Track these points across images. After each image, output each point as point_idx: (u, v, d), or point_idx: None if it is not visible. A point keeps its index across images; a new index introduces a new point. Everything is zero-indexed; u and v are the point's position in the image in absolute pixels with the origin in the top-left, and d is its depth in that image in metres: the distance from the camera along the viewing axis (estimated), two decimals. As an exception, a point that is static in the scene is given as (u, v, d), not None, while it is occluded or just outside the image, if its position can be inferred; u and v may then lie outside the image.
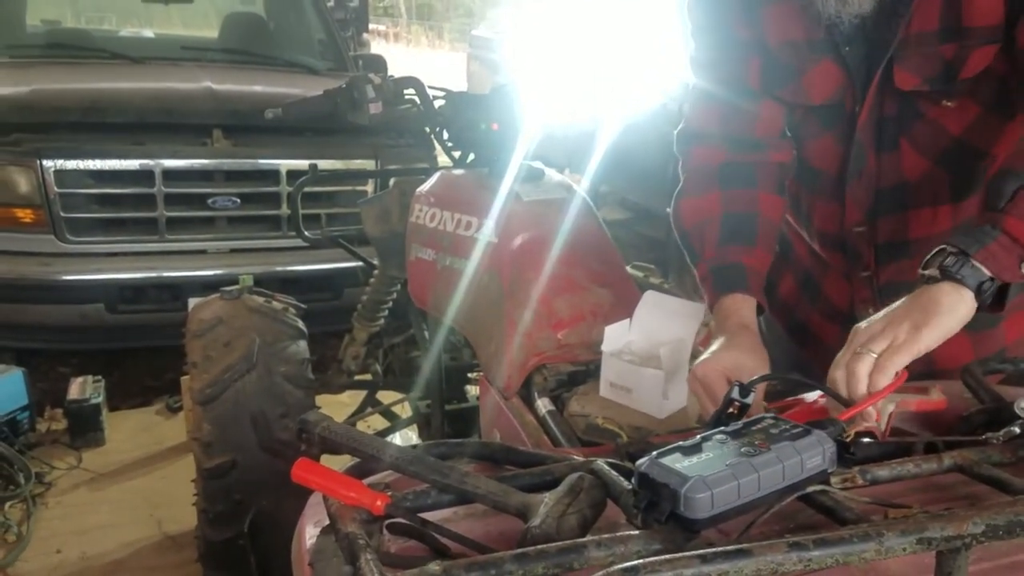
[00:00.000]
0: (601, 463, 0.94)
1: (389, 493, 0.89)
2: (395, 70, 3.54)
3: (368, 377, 2.56)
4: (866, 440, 1.00)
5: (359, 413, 2.49)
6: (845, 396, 1.01)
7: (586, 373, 1.45)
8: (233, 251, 3.63)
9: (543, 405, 1.37)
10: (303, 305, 2.25)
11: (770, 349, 1.78)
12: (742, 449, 0.81)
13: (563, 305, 1.55)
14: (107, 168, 3.34)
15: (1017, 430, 0.97)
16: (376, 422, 2.66)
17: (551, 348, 1.50)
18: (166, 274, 3.48)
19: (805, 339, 1.63)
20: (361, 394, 2.59)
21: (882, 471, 0.92)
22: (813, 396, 1.14)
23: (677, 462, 0.80)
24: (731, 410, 1.00)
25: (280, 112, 1.92)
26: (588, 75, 4.80)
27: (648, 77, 4.85)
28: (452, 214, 1.75)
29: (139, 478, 2.85)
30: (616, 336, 1.36)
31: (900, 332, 1.01)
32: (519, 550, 0.74)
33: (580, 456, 1.16)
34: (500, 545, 0.86)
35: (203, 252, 3.61)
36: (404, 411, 2.51)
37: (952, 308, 1.02)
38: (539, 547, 0.74)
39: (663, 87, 4.75)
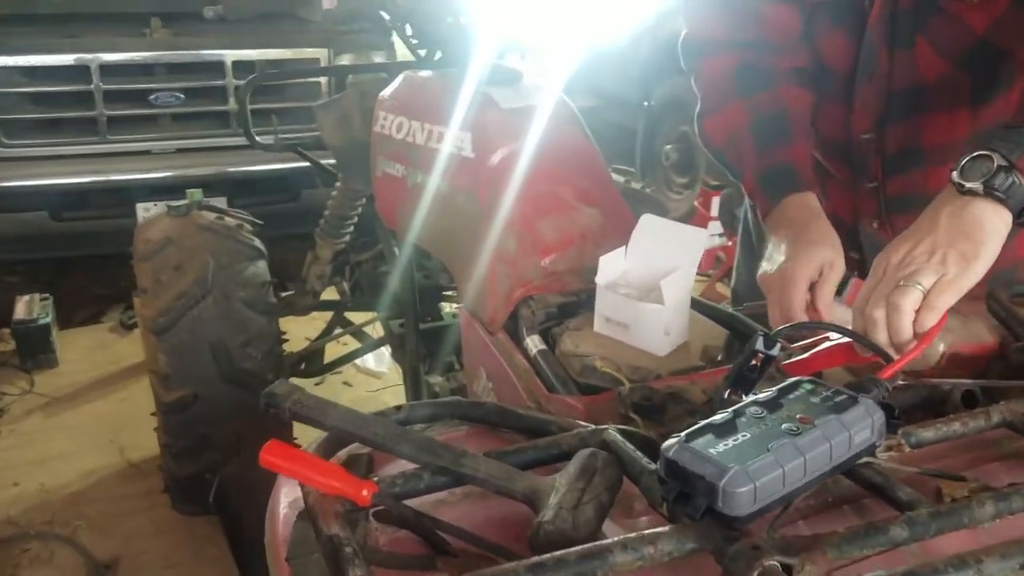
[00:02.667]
0: (614, 433, 0.83)
1: (375, 479, 0.77)
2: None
3: (336, 297, 2.42)
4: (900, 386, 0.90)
5: (327, 335, 2.36)
6: (884, 336, 0.88)
7: (577, 304, 1.33)
8: (180, 151, 3.47)
9: (533, 344, 1.25)
10: (259, 221, 2.08)
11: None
12: (783, 427, 0.70)
13: (549, 228, 1.41)
14: (40, 64, 3.12)
15: (1068, 379, 0.88)
16: (342, 346, 2.53)
17: (538, 277, 1.37)
18: (110, 177, 3.34)
19: None
20: (328, 315, 2.45)
21: (927, 432, 0.82)
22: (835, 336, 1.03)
23: (710, 445, 0.69)
24: (753, 362, 0.89)
25: (220, 11, 1.70)
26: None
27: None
28: (422, 124, 1.58)
29: (96, 401, 2.72)
30: (611, 266, 1.23)
31: (949, 265, 0.88)
32: (534, 560, 0.63)
33: (582, 414, 1.07)
34: (505, 535, 0.76)
35: (147, 153, 3.43)
36: (376, 331, 2.38)
37: (995, 232, 0.90)
38: (557, 556, 0.63)
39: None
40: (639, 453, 0.79)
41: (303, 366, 2.31)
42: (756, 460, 0.67)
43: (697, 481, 0.67)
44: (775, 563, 0.62)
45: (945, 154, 1.01)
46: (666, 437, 0.96)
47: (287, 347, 2.31)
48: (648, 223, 1.25)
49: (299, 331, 2.65)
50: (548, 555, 0.64)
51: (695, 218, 4.17)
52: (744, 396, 0.89)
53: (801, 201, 1.17)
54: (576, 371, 1.20)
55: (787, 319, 1.03)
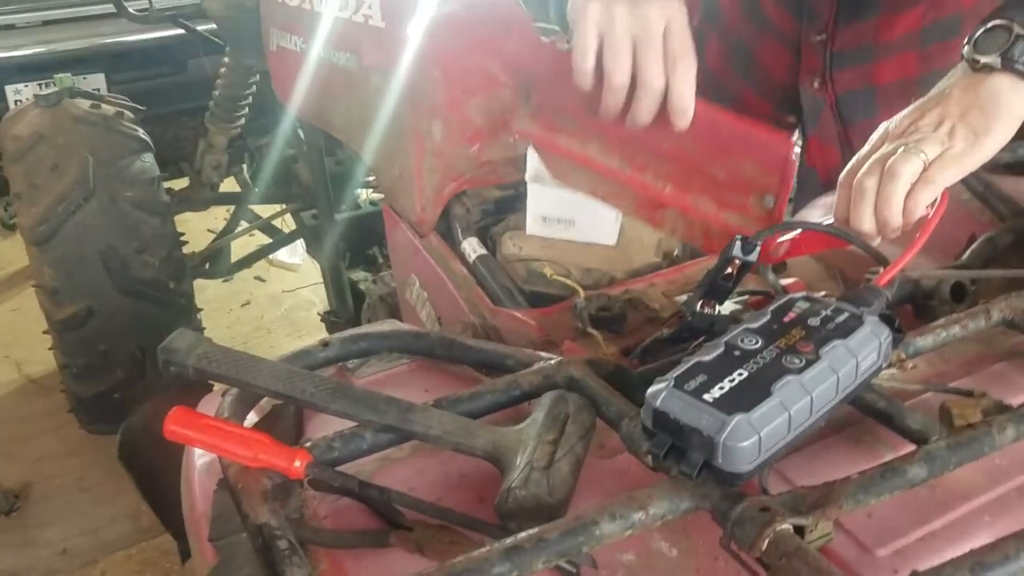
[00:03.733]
0: (582, 367, 0.72)
1: (307, 444, 0.65)
2: None
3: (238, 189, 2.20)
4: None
5: (230, 232, 2.15)
6: (871, 210, 0.75)
7: (516, 198, 1.19)
8: (47, 23, 3.05)
9: (471, 248, 1.12)
10: (140, 106, 1.83)
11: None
12: (784, 360, 0.61)
13: (479, 110, 1.24)
14: None
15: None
16: (251, 239, 2.32)
17: (470, 169, 1.22)
18: None
19: None
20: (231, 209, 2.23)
21: (925, 340, 0.74)
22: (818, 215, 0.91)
23: (704, 390, 0.59)
24: (729, 270, 0.79)
25: None
26: None
27: None
28: (322, -11, 1.37)
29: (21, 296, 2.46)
30: (539, 156, 1.08)
31: (956, 139, 0.76)
32: (509, 543, 0.53)
33: (535, 331, 0.95)
34: (466, 498, 0.65)
35: (11, 27, 3.03)
36: (286, 224, 2.19)
37: (1013, 109, 0.78)
38: (535, 533, 0.54)
39: None
40: (614, 391, 0.68)
41: (207, 266, 2.11)
42: (759, 407, 0.57)
43: (692, 434, 0.57)
44: (787, 526, 0.54)
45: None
46: (630, 353, 0.87)
47: (188, 247, 2.13)
48: None
49: (201, 230, 2.42)
50: (525, 534, 0.54)
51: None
52: (718, 307, 0.80)
53: None
54: (521, 277, 1.09)
55: None
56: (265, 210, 2.12)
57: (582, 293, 0.97)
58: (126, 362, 1.63)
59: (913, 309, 0.87)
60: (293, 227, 2.12)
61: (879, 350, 0.64)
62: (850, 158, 1.17)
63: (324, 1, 1.35)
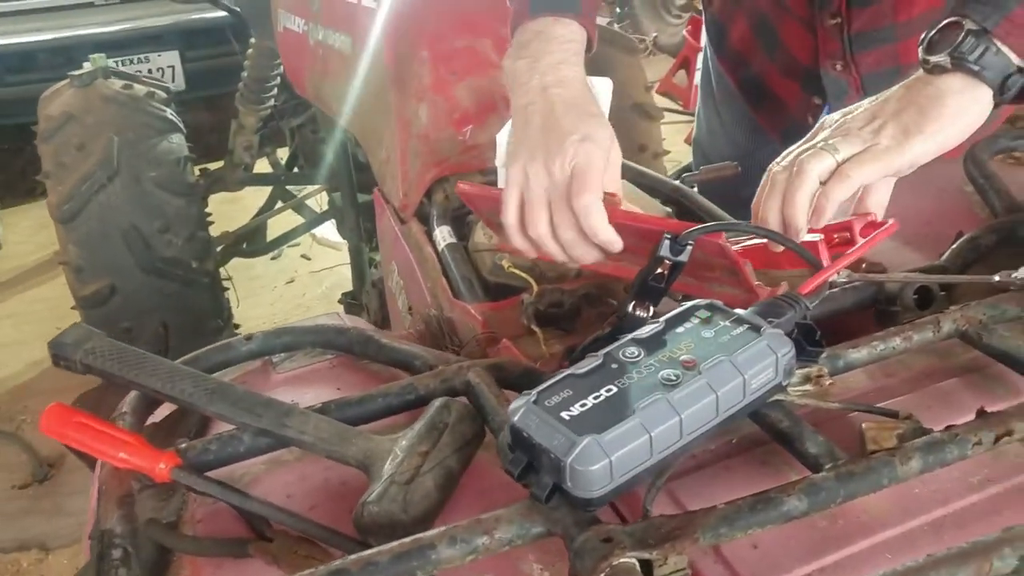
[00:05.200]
0: (479, 373, 0.69)
1: (183, 446, 0.64)
2: None
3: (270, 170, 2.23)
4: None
5: (266, 211, 2.18)
6: (778, 204, 0.72)
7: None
8: (125, 1, 3.18)
9: (442, 236, 1.09)
10: (171, 85, 1.87)
11: (722, 111, 1.50)
12: (661, 375, 0.56)
13: (467, 93, 1.21)
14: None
15: (1044, 274, 0.71)
16: (292, 219, 2.35)
17: (455, 154, 1.19)
18: (52, 35, 3.10)
19: (760, 98, 1.37)
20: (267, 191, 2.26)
21: (859, 352, 0.68)
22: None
23: (565, 407, 0.54)
24: (660, 270, 0.74)
25: None
26: None
27: None
28: (320, -31, 1.35)
29: (42, 285, 2.60)
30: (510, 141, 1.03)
31: (883, 136, 0.71)
32: (335, 565, 0.51)
33: (481, 325, 0.92)
34: (338, 509, 0.63)
35: (90, 5, 3.16)
36: (322, 204, 2.21)
37: (960, 112, 0.72)
38: (365, 557, 0.51)
39: None
40: (503, 404, 0.65)
41: (244, 245, 2.15)
42: (615, 427, 0.53)
43: (543, 455, 0.53)
44: (631, 561, 0.50)
45: None
46: (574, 351, 0.83)
47: (234, 223, 2.18)
48: None
49: (238, 210, 2.46)
50: (354, 556, 0.52)
51: (686, 48, 3.87)
52: (652, 308, 0.75)
53: (568, 41, 0.84)
54: (487, 269, 1.05)
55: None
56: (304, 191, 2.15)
57: (535, 287, 0.93)
58: (150, 339, 1.68)
59: (877, 315, 0.80)
60: (327, 207, 2.14)
61: (776, 366, 0.58)
62: None
63: (322, -19, 1.34)
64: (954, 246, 0.83)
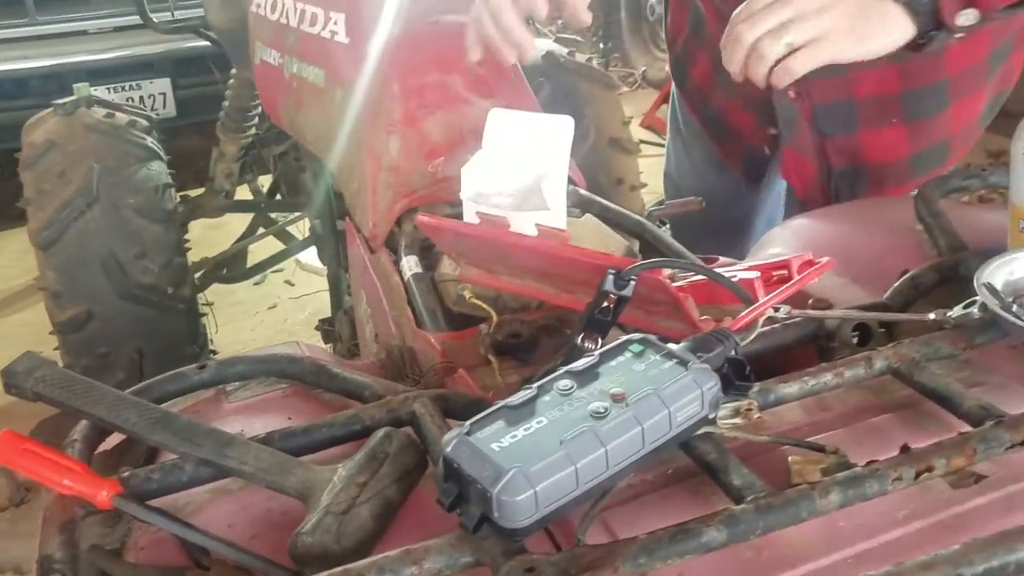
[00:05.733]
0: (425, 404, 0.70)
1: (126, 474, 0.66)
2: None
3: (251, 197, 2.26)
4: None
5: (247, 237, 2.20)
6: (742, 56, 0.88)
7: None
8: (118, 29, 3.21)
9: (408, 266, 1.11)
10: (153, 114, 1.90)
11: (689, 147, 1.53)
12: (590, 407, 0.57)
13: (437, 126, 1.24)
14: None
15: (975, 312, 0.73)
16: (275, 245, 2.38)
17: (424, 185, 1.21)
18: (45, 63, 3.13)
19: (722, 133, 1.43)
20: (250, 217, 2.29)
21: (790, 388, 0.69)
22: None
23: (495, 438, 0.56)
24: (605, 304, 0.76)
25: None
26: None
27: None
28: (295, 3, 1.38)
29: (26, 310, 2.61)
30: (475, 175, 1.06)
31: (833, 29, 0.86)
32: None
33: (440, 355, 0.94)
34: (277, 539, 0.65)
35: (83, 33, 3.20)
36: (304, 230, 2.23)
37: (892, 28, 0.89)
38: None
39: None
40: (445, 434, 0.66)
41: (224, 271, 2.17)
42: (542, 459, 0.54)
43: (471, 486, 0.55)
44: (550, 588, 0.51)
45: None
46: (530, 381, 0.84)
47: (217, 249, 2.20)
48: (499, 118, 1.07)
49: (221, 237, 2.48)
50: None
51: (669, 83, 3.91)
52: (600, 341, 0.77)
53: None
54: (452, 299, 1.07)
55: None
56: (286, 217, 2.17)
57: (494, 317, 0.95)
58: (125, 364, 1.69)
59: (818, 351, 0.82)
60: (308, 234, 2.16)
61: (702, 399, 0.60)
62: (827, 172, 1.17)
63: (298, 16, 1.37)
64: (897, 284, 0.85)
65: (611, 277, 0.74)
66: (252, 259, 2.29)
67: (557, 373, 0.61)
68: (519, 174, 1.06)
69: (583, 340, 0.76)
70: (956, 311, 0.75)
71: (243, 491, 0.69)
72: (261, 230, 2.20)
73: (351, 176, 1.30)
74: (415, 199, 1.21)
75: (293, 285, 2.73)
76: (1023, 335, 0.71)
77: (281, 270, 2.60)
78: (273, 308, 2.63)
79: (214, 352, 1.90)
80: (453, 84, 1.27)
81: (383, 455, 0.65)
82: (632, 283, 0.74)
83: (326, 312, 2.58)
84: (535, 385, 0.60)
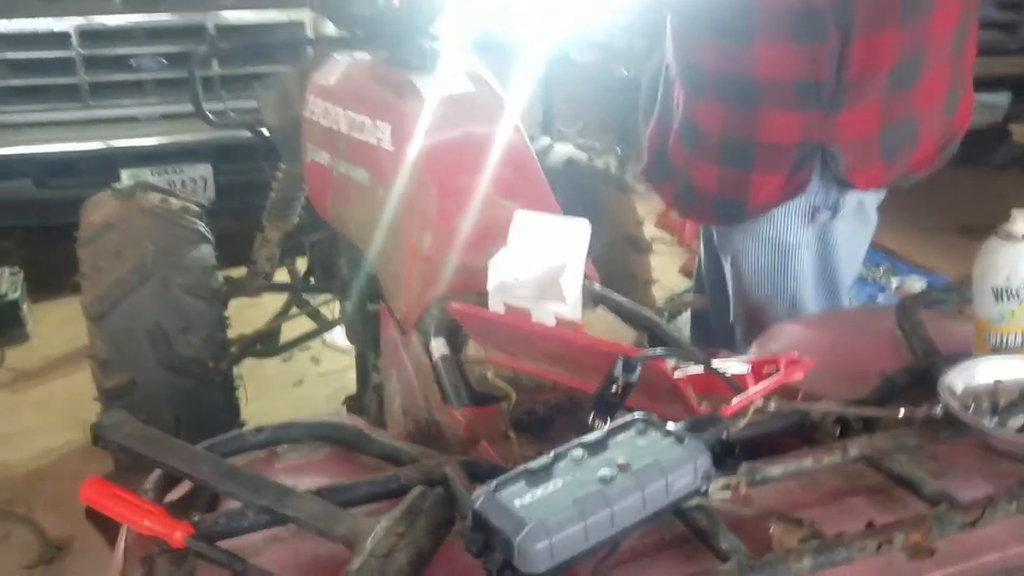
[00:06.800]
0: (454, 468, 0.81)
1: (197, 518, 0.76)
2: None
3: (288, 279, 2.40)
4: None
5: (281, 317, 2.34)
6: None
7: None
8: (166, 117, 3.38)
9: (437, 347, 1.22)
10: (205, 203, 2.05)
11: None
12: (599, 473, 0.68)
13: (468, 224, 1.37)
14: (17, 31, 3.04)
15: (939, 411, 0.84)
16: (305, 324, 2.51)
17: (453, 275, 1.34)
18: (95, 145, 3.26)
19: None
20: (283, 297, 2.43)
21: (774, 469, 0.79)
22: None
23: (517, 496, 0.66)
24: (615, 387, 0.86)
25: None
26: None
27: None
28: (345, 112, 1.54)
29: (65, 376, 2.73)
30: (501, 268, 1.19)
31: None
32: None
33: (464, 429, 1.04)
34: (326, 578, 0.75)
35: (134, 119, 3.36)
36: (334, 311, 2.37)
37: None
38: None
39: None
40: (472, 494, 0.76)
41: (258, 347, 2.30)
42: (558, 513, 0.64)
43: (496, 536, 0.65)
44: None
45: None
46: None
47: (253, 327, 2.32)
48: (523, 220, 1.21)
49: (255, 315, 2.61)
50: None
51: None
52: (609, 420, 0.87)
53: None
54: (475, 379, 1.18)
55: None
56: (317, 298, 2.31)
57: (513, 397, 1.05)
58: (163, 431, 1.79)
59: (804, 440, 0.92)
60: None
61: (695, 472, 0.70)
62: None
63: (348, 124, 1.52)
64: (876, 383, 0.95)
65: (620, 363, 0.85)
66: (283, 337, 2.42)
67: (571, 443, 0.72)
68: (540, 269, 1.19)
69: (593, 419, 0.87)
70: (923, 409, 0.85)
71: (296, 537, 0.79)
72: (294, 310, 2.33)
73: (388, 265, 1.43)
74: (445, 287, 1.33)
75: (319, 363, 2.85)
76: (979, 434, 0.81)
77: (309, 348, 2.72)
78: (299, 384, 2.74)
79: (243, 424, 2.00)
80: (483, 187, 1.42)
81: (418, 510, 0.75)
82: (638, 369, 0.85)
83: (350, 389, 2.68)
84: (552, 453, 0.71)
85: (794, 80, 1.35)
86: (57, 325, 3.03)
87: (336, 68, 1.64)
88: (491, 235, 1.37)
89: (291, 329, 2.47)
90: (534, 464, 0.70)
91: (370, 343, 1.92)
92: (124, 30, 3.14)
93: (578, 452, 0.70)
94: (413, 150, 1.41)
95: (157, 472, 0.82)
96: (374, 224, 1.46)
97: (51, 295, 3.20)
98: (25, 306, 3.04)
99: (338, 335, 2.82)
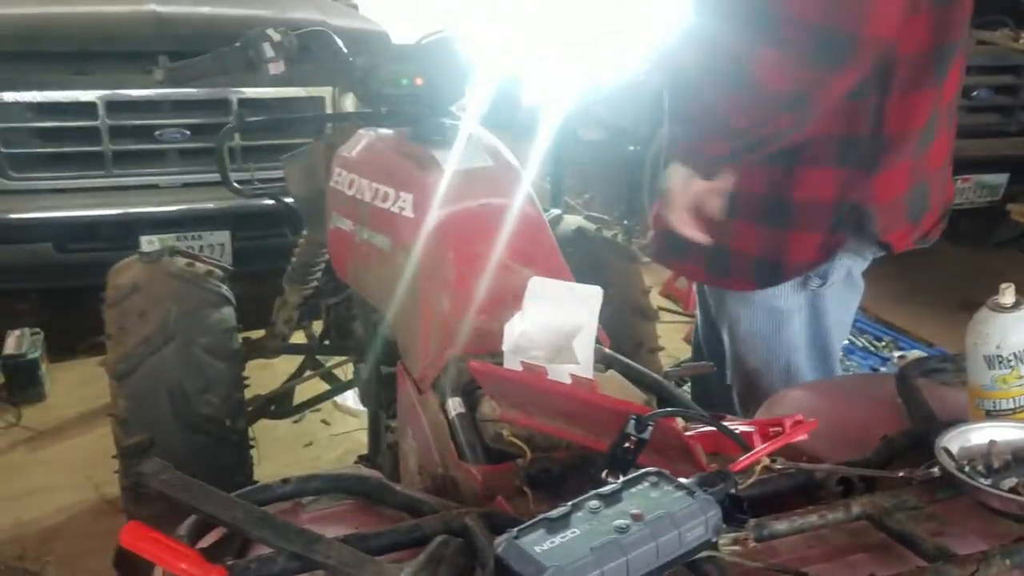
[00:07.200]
0: (474, 519, 0.85)
1: (231, 563, 0.80)
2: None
3: (304, 341, 2.46)
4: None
5: (296, 378, 2.39)
6: None
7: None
8: (186, 185, 3.46)
9: (453, 406, 1.27)
10: (229, 266, 2.12)
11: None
12: (615, 523, 0.72)
13: (484, 288, 1.43)
14: (48, 100, 3.13)
15: (936, 472, 0.88)
16: (317, 385, 2.56)
17: (469, 337, 1.39)
18: (116, 211, 3.31)
19: None
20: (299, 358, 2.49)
21: (781, 525, 0.83)
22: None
23: (539, 542, 0.70)
24: (627, 444, 0.91)
25: (164, 74, 1.75)
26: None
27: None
28: (370, 183, 1.62)
29: (79, 436, 2.78)
30: (517, 331, 1.24)
31: None
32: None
33: (480, 484, 1.08)
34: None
35: (154, 187, 3.44)
36: (347, 373, 2.42)
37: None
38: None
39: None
40: (491, 545, 0.80)
41: (272, 408, 2.34)
42: (576, 560, 0.68)
43: (517, 580, 0.69)
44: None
45: None
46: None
47: (266, 387, 2.37)
48: (538, 286, 1.26)
49: (271, 376, 2.66)
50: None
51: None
52: (621, 476, 0.91)
53: None
54: (490, 437, 1.22)
55: None
56: (333, 361, 2.36)
57: (528, 454, 1.10)
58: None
59: (809, 498, 0.96)
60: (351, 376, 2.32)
61: (706, 524, 0.74)
62: None
63: (372, 193, 1.60)
64: (877, 446, 1.00)
65: (633, 421, 0.90)
66: (297, 398, 2.46)
67: (588, 494, 0.76)
68: (554, 332, 1.24)
69: (607, 474, 0.91)
70: (921, 470, 0.90)
71: (319, 587, 0.82)
72: (308, 371, 2.38)
73: (406, 326, 1.48)
74: (462, 348, 1.38)
75: (329, 424, 2.88)
76: (974, 493, 0.85)
77: (319, 409, 2.76)
78: (310, 445, 2.78)
79: (256, 483, 2.03)
80: (499, 254, 1.48)
81: (441, 558, 0.79)
82: (650, 428, 0.90)
83: (359, 450, 2.71)
84: (570, 503, 0.75)
85: (835, 136, 1.40)
86: (72, 386, 3.09)
87: (361, 142, 1.72)
88: (506, 299, 1.43)
89: (302, 390, 2.51)
90: (553, 513, 0.74)
91: (383, 404, 1.97)
92: (151, 102, 3.25)
93: (595, 503, 0.75)
94: (433, 218, 1.48)
95: (191, 518, 0.86)
96: (394, 287, 1.52)
97: (66, 356, 3.26)
98: (43, 366, 3.09)
99: (349, 397, 2.87)
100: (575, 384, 1.00)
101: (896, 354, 3.26)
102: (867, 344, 3.45)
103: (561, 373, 1.07)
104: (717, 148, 1.40)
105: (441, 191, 1.52)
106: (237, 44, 1.63)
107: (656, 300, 3.05)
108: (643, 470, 0.79)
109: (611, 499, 0.75)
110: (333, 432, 2.84)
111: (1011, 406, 0.95)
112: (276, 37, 1.57)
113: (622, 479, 0.78)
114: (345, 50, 1.69)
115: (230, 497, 0.84)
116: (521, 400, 1.11)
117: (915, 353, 3.15)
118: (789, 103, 1.31)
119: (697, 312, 1.93)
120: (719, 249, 1.52)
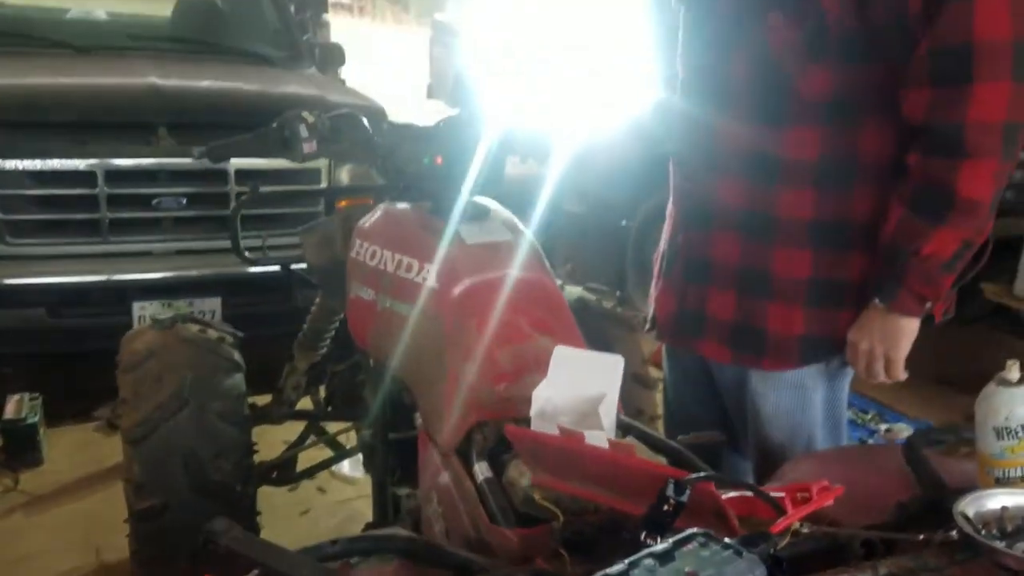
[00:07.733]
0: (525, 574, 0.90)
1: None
2: (357, 50, 3.39)
3: (310, 407, 2.49)
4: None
5: (300, 444, 2.42)
6: None
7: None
8: (180, 252, 3.49)
9: (481, 470, 1.32)
10: (240, 332, 2.17)
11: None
12: (671, 581, 0.77)
13: (506, 356, 1.50)
14: (47, 169, 3.18)
15: (954, 535, 0.94)
16: (315, 453, 2.59)
17: (492, 403, 1.44)
18: (110, 277, 3.31)
19: None
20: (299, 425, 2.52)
21: (815, 583, 0.89)
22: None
23: (599, 599, 0.76)
24: (666, 507, 0.96)
25: (205, 152, 1.83)
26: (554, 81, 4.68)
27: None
28: (393, 254, 1.69)
29: (77, 501, 2.76)
30: (543, 398, 1.30)
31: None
32: None
33: (516, 547, 1.12)
34: None
35: (148, 254, 3.46)
36: (351, 440, 2.45)
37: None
38: None
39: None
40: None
41: (275, 475, 2.36)
42: (639, 614, 0.73)
43: (579, 634, 0.73)
44: None
45: None
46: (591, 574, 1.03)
47: (264, 454, 2.38)
48: (562, 355, 1.33)
49: (275, 441, 2.68)
50: None
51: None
52: (660, 538, 0.97)
53: None
54: (519, 500, 1.27)
55: None
56: (332, 427, 2.39)
57: (561, 518, 1.14)
58: (188, 553, 1.83)
59: (831, 559, 1.01)
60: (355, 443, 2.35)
61: (753, 582, 0.79)
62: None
63: (395, 264, 1.67)
64: (893, 510, 1.06)
65: (672, 484, 0.95)
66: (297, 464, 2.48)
67: (642, 553, 0.81)
68: (579, 399, 1.31)
69: (646, 536, 0.96)
70: (939, 535, 0.96)
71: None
72: (311, 438, 2.40)
73: (430, 393, 1.53)
74: (484, 414, 1.44)
75: (325, 492, 2.89)
76: (991, 554, 0.92)
77: (315, 477, 2.77)
78: (306, 513, 2.77)
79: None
80: (519, 323, 1.55)
81: (501, 613, 0.83)
82: (688, 491, 0.95)
83: (357, 519, 2.72)
84: (626, 562, 0.80)
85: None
86: (68, 450, 3.07)
87: (383, 215, 1.80)
88: (527, 366, 1.49)
89: (301, 458, 2.52)
90: (612, 570, 0.79)
91: (390, 471, 2.00)
92: (149, 171, 3.30)
93: (649, 562, 0.80)
94: (457, 288, 1.55)
95: (254, 572, 0.90)
96: (416, 354, 1.58)
97: (60, 421, 3.25)
98: (42, 431, 3.08)
99: (345, 466, 2.88)
100: (613, 447, 1.05)
101: (883, 426, 3.36)
102: (854, 416, 3.55)
103: (598, 438, 1.12)
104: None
105: (464, 263, 1.59)
106: (274, 125, 1.71)
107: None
108: (690, 530, 0.85)
109: (665, 558, 0.80)
110: (329, 500, 2.84)
111: (1019, 474, 1.03)
112: (311, 119, 1.66)
113: (671, 539, 0.84)
114: (371, 130, 1.78)
115: (295, 554, 0.88)
116: (556, 464, 1.16)
117: (900, 426, 3.25)
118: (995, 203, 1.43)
119: (666, 378, 2.00)
120: (749, 329, 1.60)
